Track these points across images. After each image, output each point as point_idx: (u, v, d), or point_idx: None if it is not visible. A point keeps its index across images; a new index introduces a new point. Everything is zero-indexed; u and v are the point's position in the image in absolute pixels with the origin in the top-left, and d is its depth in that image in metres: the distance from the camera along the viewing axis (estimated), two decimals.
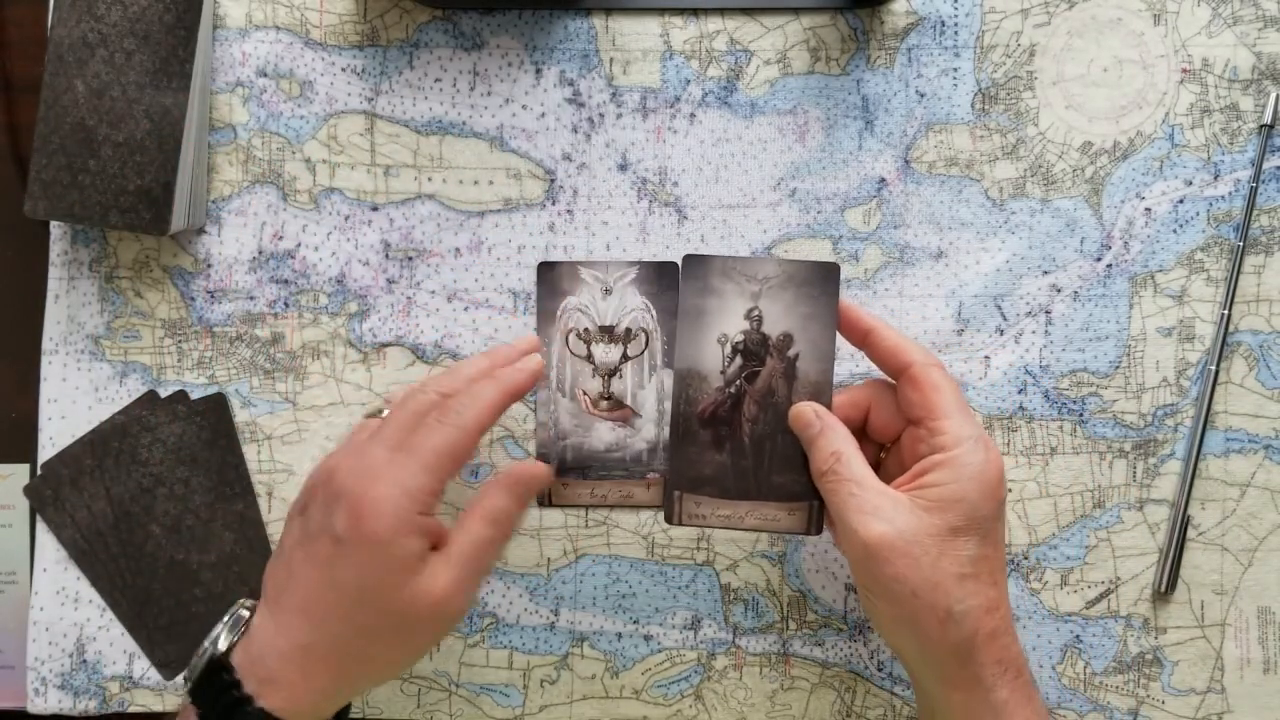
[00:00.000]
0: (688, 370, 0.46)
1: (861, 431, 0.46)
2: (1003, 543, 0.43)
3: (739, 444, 0.46)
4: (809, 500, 0.45)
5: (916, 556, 0.39)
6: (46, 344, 0.52)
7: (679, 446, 0.46)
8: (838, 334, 0.46)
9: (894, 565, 0.39)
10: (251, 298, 0.52)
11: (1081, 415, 0.51)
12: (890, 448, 0.46)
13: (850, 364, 0.51)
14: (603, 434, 0.51)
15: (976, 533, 0.40)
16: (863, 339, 0.45)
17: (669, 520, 0.46)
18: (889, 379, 0.46)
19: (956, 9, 0.51)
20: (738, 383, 0.46)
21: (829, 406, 0.45)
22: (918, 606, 0.40)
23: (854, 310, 0.45)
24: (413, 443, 0.41)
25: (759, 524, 0.46)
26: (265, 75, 0.52)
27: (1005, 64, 0.51)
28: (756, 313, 0.46)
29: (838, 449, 0.43)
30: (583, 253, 0.52)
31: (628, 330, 0.51)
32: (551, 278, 0.52)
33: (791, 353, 0.46)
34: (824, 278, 0.45)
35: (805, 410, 0.45)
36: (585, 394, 0.51)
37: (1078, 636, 0.51)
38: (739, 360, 0.46)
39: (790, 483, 0.45)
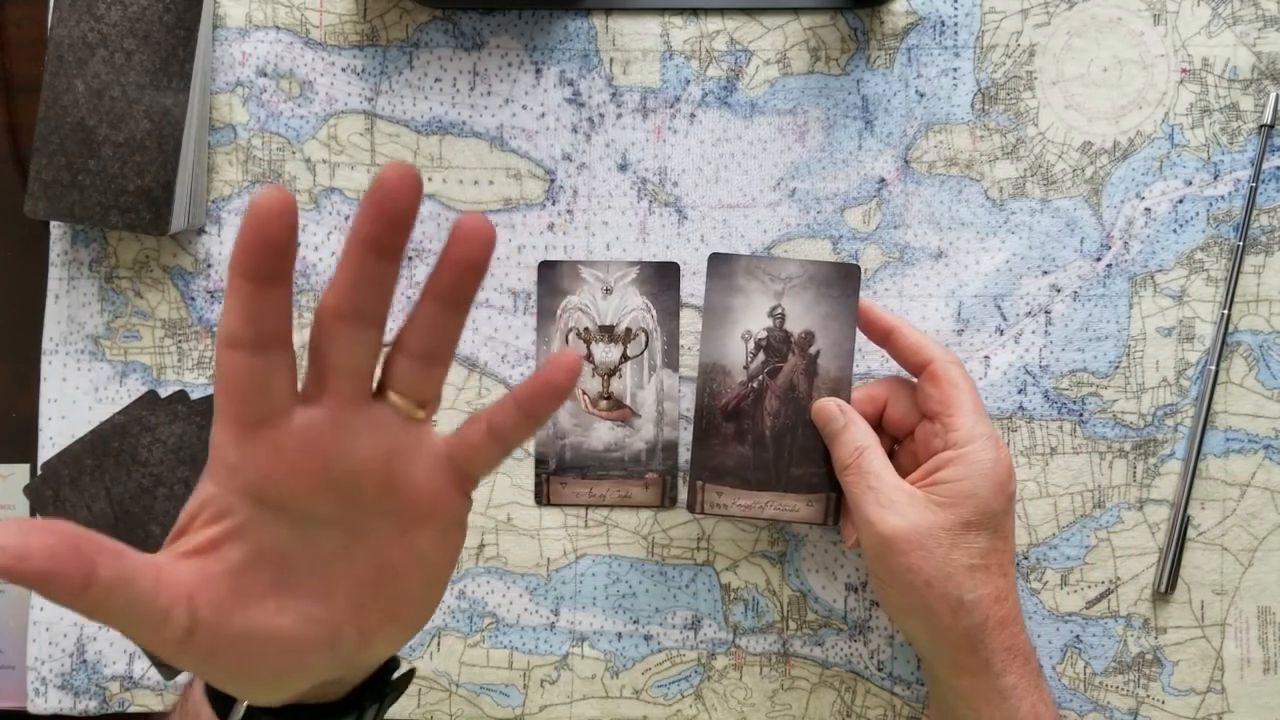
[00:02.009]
0: (712, 365, 0.47)
1: (878, 426, 0.47)
2: (1012, 535, 0.44)
3: (760, 437, 0.47)
4: (827, 492, 0.47)
5: (930, 549, 0.41)
6: (46, 344, 0.52)
7: (702, 438, 0.47)
8: (859, 332, 0.47)
9: (909, 557, 0.42)
10: None
11: (1081, 415, 0.51)
12: (905, 441, 0.47)
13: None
14: (602, 434, 0.51)
15: (987, 527, 0.42)
16: (885, 337, 0.47)
17: (690, 509, 0.47)
18: (905, 376, 0.48)
19: (956, 9, 0.51)
20: (760, 378, 0.47)
21: (848, 402, 0.46)
22: (931, 596, 0.42)
23: (875, 310, 0.47)
24: None
25: (778, 514, 0.47)
26: (265, 75, 0.52)
27: (1005, 64, 0.51)
28: (779, 311, 0.47)
29: (860, 444, 0.44)
30: (583, 253, 0.52)
31: (628, 330, 0.51)
32: (552, 277, 0.52)
33: (813, 350, 0.47)
34: (844, 278, 0.47)
35: (829, 405, 0.46)
36: (585, 393, 0.51)
37: (1078, 636, 0.51)
38: (762, 356, 0.47)
39: (809, 475, 0.47)
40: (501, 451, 0.34)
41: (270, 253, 0.29)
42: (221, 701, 0.33)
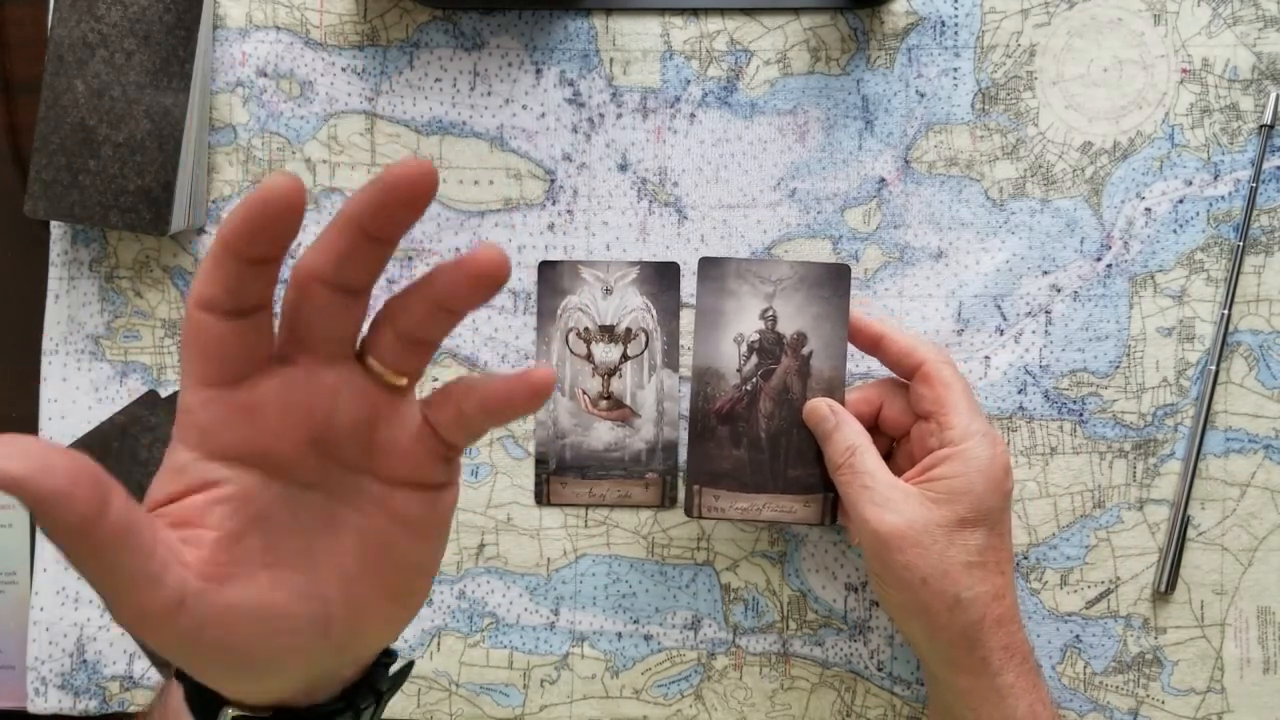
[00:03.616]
0: (705, 369, 0.47)
1: (874, 426, 0.47)
2: (1009, 534, 0.44)
3: (755, 439, 0.47)
4: (823, 492, 0.47)
5: (926, 546, 0.41)
6: (46, 344, 0.52)
7: (697, 442, 0.47)
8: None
9: (905, 554, 0.41)
10: None
11: (1081, 415, 0.51)
12: (901, 441, 0.47)
13: (849, 364, 0.51)
14: (602, 433, 0.51)
15: (984, 524, 0.42)
16: (875, 346, 0.47)
17: (688, 513, 0.47)
18: (901, 378, 0.47)
19: (956, 9, 0.51)
20: (754, 380, 0.47)
21: (842, 402, 0.46)
22: (927, 593, 0.41)
23: (863, 319, 0.47)
24: None
25: (775, 516, 0.47)
26: (265, 75, 0.52)
27: (1005, 64, 0.51)
28: (771, 313, 0.47)
29: (852, 443, 0.44)
30: (583, 253, 0.52)
31: (628, 330, 0.51)
32: (552, 277, 0.52)
33: (805, 351, 0.47)
34: (835, 278, 0.47)
35: (820, 406, 0.46)
36: (585, 393, 0.51)
37: (1078, 636, 0.51)
38: (755, 359, 0.47)
39: (805, 476, 0.47)
40: (476, 423, 0.31)
41: (269, 241, 0.27)
42: (203, 712, 0.31)
